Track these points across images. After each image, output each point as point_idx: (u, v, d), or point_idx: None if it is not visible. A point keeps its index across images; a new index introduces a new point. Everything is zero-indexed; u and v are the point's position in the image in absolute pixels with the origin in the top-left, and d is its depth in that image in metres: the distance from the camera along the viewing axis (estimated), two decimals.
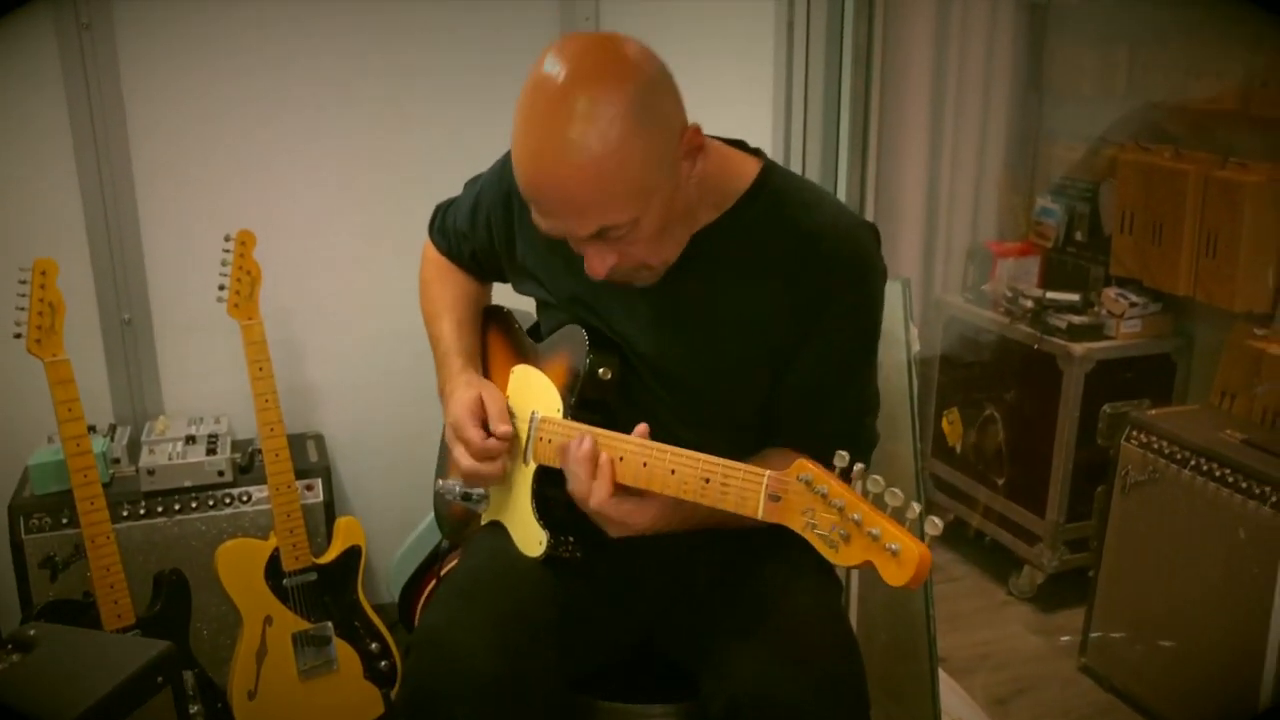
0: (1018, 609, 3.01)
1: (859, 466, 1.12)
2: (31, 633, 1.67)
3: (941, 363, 3.29)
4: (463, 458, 1.49)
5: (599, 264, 1.32)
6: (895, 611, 2.25)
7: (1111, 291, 2.89)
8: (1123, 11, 2.90)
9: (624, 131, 1.22)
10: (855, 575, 2.08)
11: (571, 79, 1.23)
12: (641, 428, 1.32)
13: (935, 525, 1.06)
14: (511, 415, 1.54)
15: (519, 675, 1.36)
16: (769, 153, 1.54)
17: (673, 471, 1.26)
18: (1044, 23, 3.17)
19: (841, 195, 1.76)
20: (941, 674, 2.64)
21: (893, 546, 1.04)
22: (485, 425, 1.51)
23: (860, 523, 1.08)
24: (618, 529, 1.34)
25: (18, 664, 1.61)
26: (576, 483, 1.34)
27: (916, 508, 1.06)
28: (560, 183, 1.24)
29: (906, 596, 2.22)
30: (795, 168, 1.82)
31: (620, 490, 1.33)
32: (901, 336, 1.85)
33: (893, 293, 1.83)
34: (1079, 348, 2.81)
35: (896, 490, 1.08)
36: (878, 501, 1.09)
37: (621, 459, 1.32)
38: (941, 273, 3.29)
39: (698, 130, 1.32)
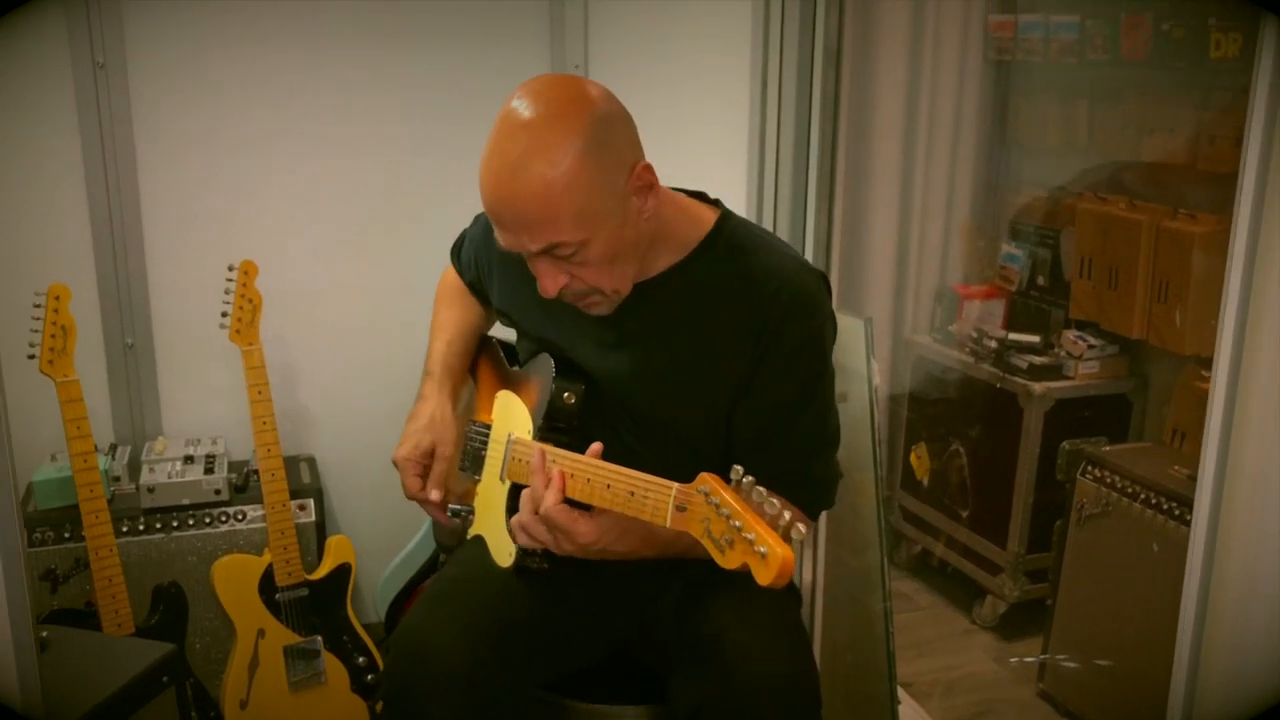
0: (981, 637, 3.12)
1: (748, 479, 1.23)
2: (44, 634, 1.77)
3: (910, 400, 3.43)
4: (406, 487, 1.66)
5: (550, 282, 1.45)
6: (858, 636, 2.36)
7: (1071, 334, 3.03)
8: (1082, 71, 3.06)
9: (574, 158, 1.36)
10: (819, 599, 2.19)
11: (533, 110, 1.38)
12: (595, 446, 1.44)
13: (799, 531, 1.18)
14: (487, 438, 1.67)
15: (488, 673, 1.47)
16: (743, 195, 1.67)
17: (608, 486, 1.39)
18: (1008, 79, 3.34)
19: (809, 238, 1.90)
20: (905, 697, 2.76)
21: (761, 550, 1.17)
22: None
23: (740, 529, 1.20)
24: (567, 540, 1.44)
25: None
26: (530, 491, 1.46)
27: (789, 515, 1.18)
28: (513, 199, 1.38)
29: (869, 623, 2.34)
30: (766, 211, 1.96)
31: (569, 504, 1.44)
32: (864, 371, 1.98)
33: (855, 330, 1.96)
34: (1039, 387, 2.94)
35: (774, 500, 1.20)
36: (760, 510, 1.21)
37: (572, 475, 1.44)
38: (911, 313, 3.43)
39: (648, 168, 1.45)
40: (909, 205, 3.35)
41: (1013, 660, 2.93)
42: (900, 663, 2.94)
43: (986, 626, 3.14)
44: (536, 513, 1.45)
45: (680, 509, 1.29)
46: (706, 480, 1.27)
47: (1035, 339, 3.09)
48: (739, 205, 1.74)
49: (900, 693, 2.72)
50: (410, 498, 1.67)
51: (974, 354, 3.16)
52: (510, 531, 1.57)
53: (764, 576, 1.17)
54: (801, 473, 1.55)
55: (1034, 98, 3.28)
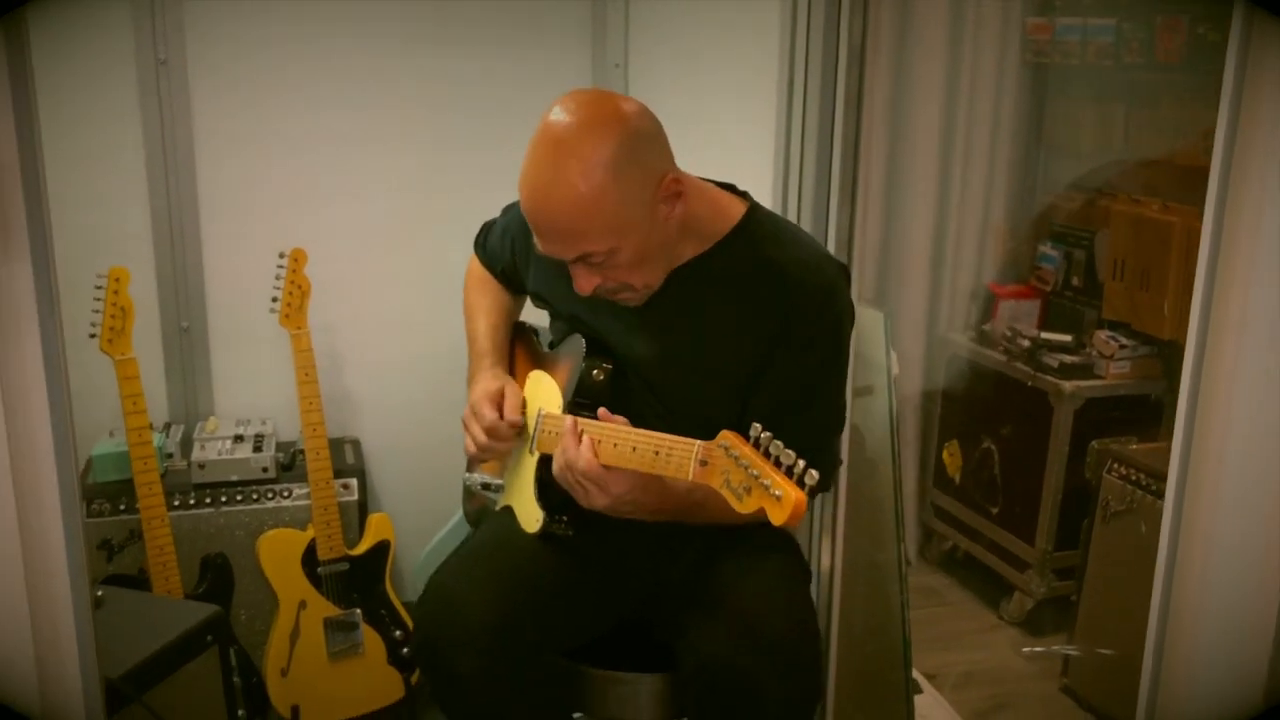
0: (1007, 632, 3.16)
1: (766, 435, 1.33)
2: (99, 593, 1.88)
3: (943, 398, 3.47)
4: (476, 435, 1.70)
5: (584, 283, 1.55)
6: (879, 626, 2.41)
7: (1103, 334, 3.06)
8: (1118, 74, 3.09)
9: (604, 175, 1.45)
10: (838, 586, 2.24)
11: (569, 126, 1.47)
12: (619, 419, 1.53)
13: (812, 476, 1.28)
14: (524, 412, 1.75)
15: (511, 629, 1.56)
16: (769, 190, 1.74)
17: (634, 448, 1.48)
18: (1045, 81, 3.37)
19: (831, 234, 1.96)
20: (927, 687, 2.81)
21: (776, 493, 1.28)
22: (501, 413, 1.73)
23: (758, 477, 1.30)
24: (600, 495, 1.53)
25: None
26: (565, 455, 1.54)
27: (802, 464, 1.28)
28: (550, 213, 1.48)
29: (890, 613, 2.39)
30: (791, 206, 2.02)
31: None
32: (883, 362, 2.04)
33: (875, 322, 2.02)
34: (1069, 385, 2.98)
35: (790, 452, 1.30)
36: (776, 461, 1.31)
37: (600, 441, 1.53)
38: (946, 312, 3.47)
39: (676, 179, 1.53)
40: (945, 205, 3.39)
41: (1024, 650, 2.96)
42: (926, 655, 3.00)
43: (1014, 622, 3.17)
44: (569, 471, 1.53)
45: (702, 463, 1.39)
46: (727, 436, 1.37)
47: (1067, 338, 3.13)
48: (764, 200, 1.81)
49: (922, 682, 2.78)
50: (488, 432, 1.70)
51: (1007, 353, 3.20)
52: (537, 500, 1.65)
53: (779, 517, 1.27)
54: (810, 454, 1.61)
55: (1070, 100, 3.31)
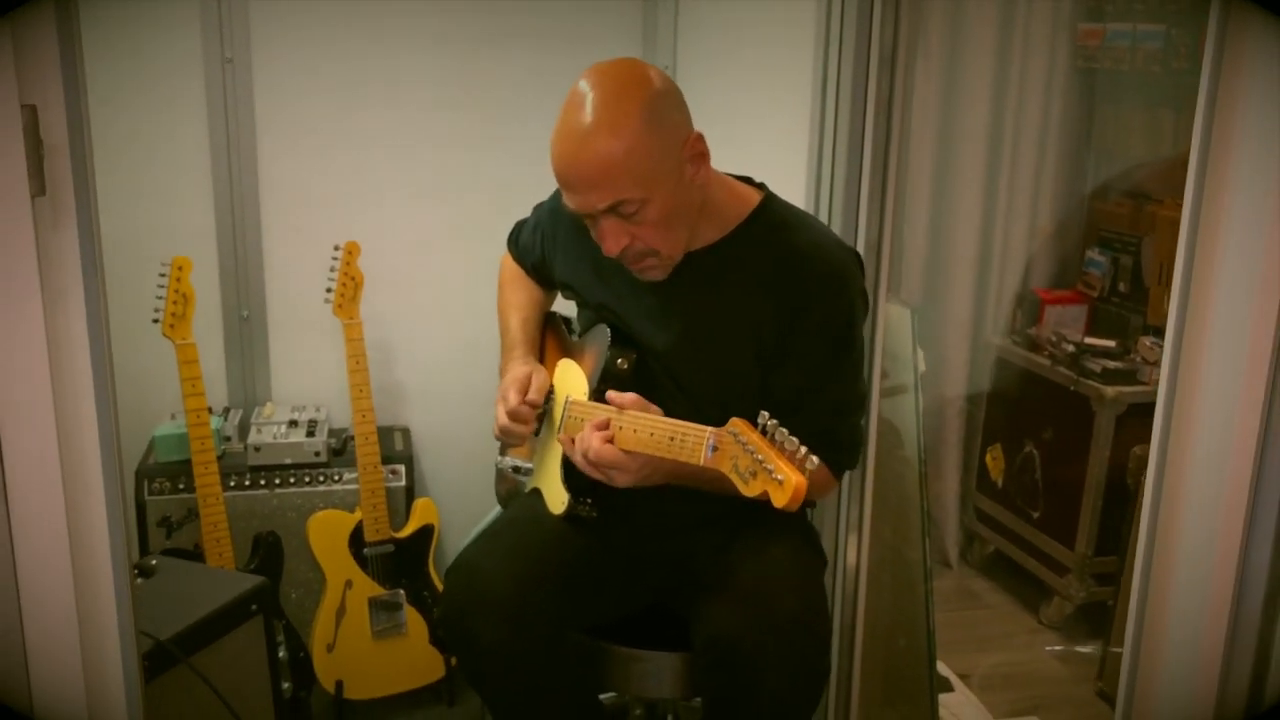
0: (1046, 636, 3.16)
1: (772, 422, 1.38)
2: (153, 562, 2.00)
3: (987, 401, 3.48)
4: (499, 416, 1.77)
5: (613, 242, 1.60)
6: (905, 623, 2.44)
7: (1147, 340, 3.05)
8: (1168, 79, 3.08)
9: (635, 125, 1.53)
10: (863, 580, 2.28)
11: (599, 86, 1.56)
12: (628, 396, 1.59)
13: (812, 461, 1.34)
14: (551, 398, 1.82)
15: (533, 603, 1.63)
16: (801, 191, 1.79)
17: (651, 434, 1.54)
18: (1093, 86, 3.37)
19: (860, 236, 2.01)
20: (960, 686, 2.83)
21: (779, 477, 1.33)
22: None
23: (762, 462, 1.36)
24: (622, 474, 1.59)
25: (140, 585, 1.94)
26: (581, 442, 1.60)
27: (804, 450, 1.34)
28: (583, 162, 1.55)
29: (916, 610, 2.42)
30: (822, 208, 2.07)
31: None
32: (911, 358, 2.08)
33: (902, 318, 2.06)
34: (1111, 391, 2.98)
35: (794, 438, 1.36)
36: (781, 447, 1.36)
37: (620, 428, 1.59)
38: (992, 316, 3.48)
39: (700, 139, 1.61)
40: (993, 209, 3.41)
41: (1047, 649, 2.97)
42: (962, 655, 3.02)
43: (1052, 626, 3.18)
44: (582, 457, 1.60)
45: (714, 449, 1.46)
46: (736, 423, 1.44)
47: (1111, 344, 3.13)
48: (797, 200, 1.87)
49: (954, 680, 2.81)
50: (510, 415, 1.77)
51: (1051, 357, 3.20)
52: (563, 482, 1.72)
53: (780, 499, 1.33)
54: (830, 434, 1.66)
55: (1119, 105, 3.31)
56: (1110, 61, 3.25)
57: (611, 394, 1.62)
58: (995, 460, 3.44)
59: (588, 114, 1.54)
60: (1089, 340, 3.16)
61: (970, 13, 3.27)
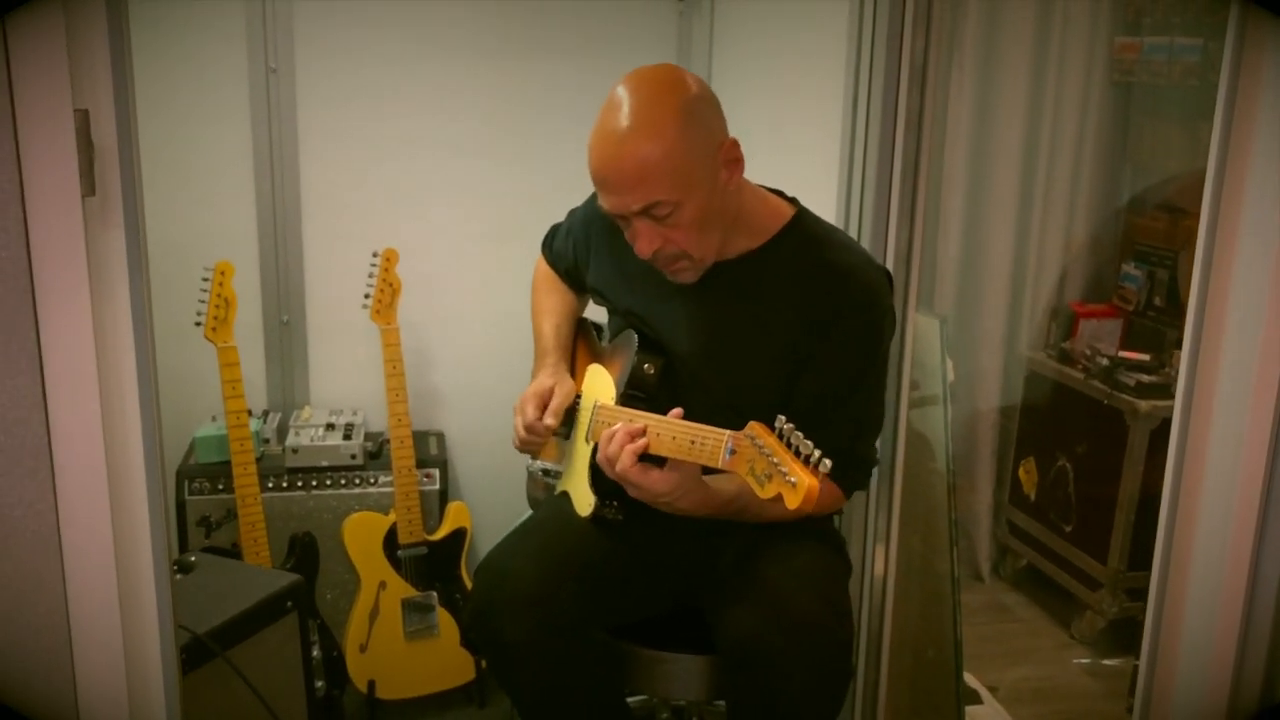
0: (1077, 651, 3.15)
1: (788, 426, 1.40)
2: (192, 559, 2.05)
3: (1021, 414, 3.48)
4: (518, 428, 1.82)
5: (646, 243, 1.62)
6: (934, 634, 2.45)
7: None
8: (1205, 93, 3.07)
9: (673, 128, 1.55)
10: (890, 595, 2.28)
11: (638, 89, 1.59)
12: (676, 411, 1.59)
13: (826, 465, 1.36)
14: (579, 403, 1.85)
15: (559, 602, 1.66)
16: (832, 205, 1.82)
17: (673, 438, 1.56)
18: (1130, 100, 3.36)
19: (890, 250, 2.02)
20: (989, 699, 2.83)
21: (792, 479, 1.36)
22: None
23: (778, 465, 1.38)
24: (638, 493, 1.59)
25: (179, 581, 1.98)
26: (607, 451, 1.60)
27: (818, 453, 1.36)
28: (620, 163, 1.57)
29: (939, 621, 2.42)
30: (852, 222, 2.09)
31: (645, 461, 1.60)
32: (939, 368, 2.09)
33: (930, 329, 2.07)
34: (1145, 405, 2.96)
35: (808, 442, 1.38)
36: (796, 451, 1.39)
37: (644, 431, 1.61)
38: (1026, 329, 3.48)
39: (735, 144, 1.63)
40: (1027, 222, 3.41)
41: (1078, 662, 2.96)
42: (992, 669, 3.02)
43: (1084, 641, 3.16)
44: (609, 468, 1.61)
45: (732, 452, 1.48)
46: (754, 427, 1.46)
47: (1146, 357, 3.11)
48: (827, 213, 1.89)
49: (983, 693, 2.80)
50: (525, 428, 1.81)
51: (1085, 371, 3.19)
52: (590, 485, 1.75)
53: (793, 500, 1.35)
54: (845, 452, 1.67)
55: (1156, 119, 3.30)
56: (1147, 75, 3.25)
57: (676, 412, 1.60)
58: (1028, 474, 3.43)
59: (627, 116, 1.57)
60: (1123, 354, 3.15)
61: (1005, 26, 3.28)
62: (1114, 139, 3.38)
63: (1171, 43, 3.13)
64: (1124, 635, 3.07)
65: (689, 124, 1.57)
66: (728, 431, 1.49)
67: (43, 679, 1.09)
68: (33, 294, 1.00)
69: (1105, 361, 3.13)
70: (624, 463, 1.57)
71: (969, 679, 2.86)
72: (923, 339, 2.07)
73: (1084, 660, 3.06)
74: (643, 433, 1.59)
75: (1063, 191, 3.39)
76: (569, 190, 2.05)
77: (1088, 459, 3.19)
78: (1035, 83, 3.31)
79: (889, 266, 1.99)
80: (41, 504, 1.03)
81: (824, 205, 1.95)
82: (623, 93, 1.59)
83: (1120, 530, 3.04)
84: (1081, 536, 3.19)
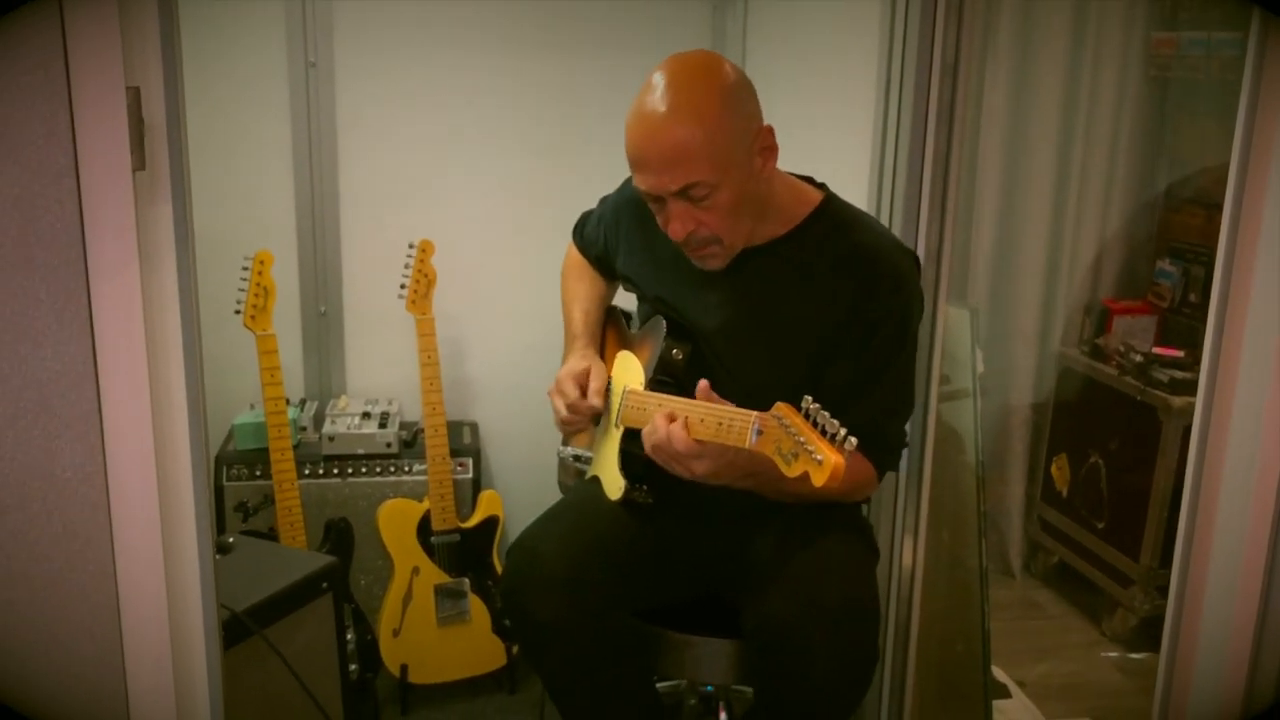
0: (1108, 648, 3.14)
1: (814, 406, 1.42)
2: (230, 540, 2.09)
3: (1054, 411, 3.47)
4: (559, 408, 1.84)
5: (679, 225, 1.64)
6: (963, 629, 2.45)
7: None
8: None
9: (714, 110, 1.57)
10: (918, 588, 2.29)
11: (677, 73, 1.61)
12: (703, 384, 1.60)
13: (851, 442, 1.38)
14: (609, 390, 1.88)
15: (587, 583, 1.69)
16: (864, 198, 1.83)
17: (702, 420, 1.57)
18: (1166, 95, 3.35)
19: (920, 244, 2.03)
20: (1018, 693, 2.83)
21: (818, 457, 1.37)
22: (584, 391, 1.86)
23: (803, 443, 1.40)
24: (683, 467, 1.60)
25: (218, 562, 2.02)
26: (655, 435, 1.60)
27: (843, 431, 1.38)
28: (661, 142, 1.59)
29: (967, 614, 2.43)
30: (884, 214, 2.10)
31: None
32: (969, 360, 2.10)
33: (961, 320, 2.08)
34: (1179, 401, 2.95)
35: (834, 421, 1.40)
36: (822, 429, 1.41)
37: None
38: (1060, 325, 3.47)
39: (771, 131, 1.65)
40: (1061, 217, 3.40)
41: (1103, 654, 2.95)
42: (1022, 664, 3.01)
43: (1115, 639, 3.15)
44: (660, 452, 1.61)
45: (759, 433, 1.49)
46: (780, 408, 1.48)
47: (1181, 354, 3.10)
48: (859, 203, 1.91)
49: (1012, 687, 2.80)
50: (567, 409, 1.84)
51: (1119, 368, 3.18)
52: (620, 469, 1.77)
53: (819, 477, 1.37)
54: (876, 433, 1.69)
55: (1193, 114, 3.28)
56: (1184, 70, 3.23)
57: (703, 384, 1.61)
58: (1060, 470, 3.42)
59: (668, 97, 1.58)
60: (1157, 350, 3.13)
61: (1041, 21, 3.27)
62: (1150, 134, 3.37)
63: (1209, 37, 3.11)
64: (1155, 633, 3.01)
65: (728, 107, 1.59)
66: (754, 412, 1.51)
67: (89, 634, 1.13)
68: (85, 263, 1.04)
69: (1139, 358, 3.12)
70: (678, 437, 1.57)
71: (998, 673, 2.86)
72: (953, 330, 2.08)
73: (1112, 654, 3.05)
74: (674, 416, 1.60)
75: (1098, 187, 3.38)
76: (603, 185, 2.08)
77: (1120, 455, 3.18)
78: (1071, 77, 3.30)
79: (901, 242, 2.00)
80: (90, 466, 1.07)
81: (855, 196, 1.96)
82: (663, 75, 1.61)
83: (1152, 527, 3.03)
84: (1114, 533, 3.18)
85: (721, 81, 1.60)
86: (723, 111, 1.58)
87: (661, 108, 1.58)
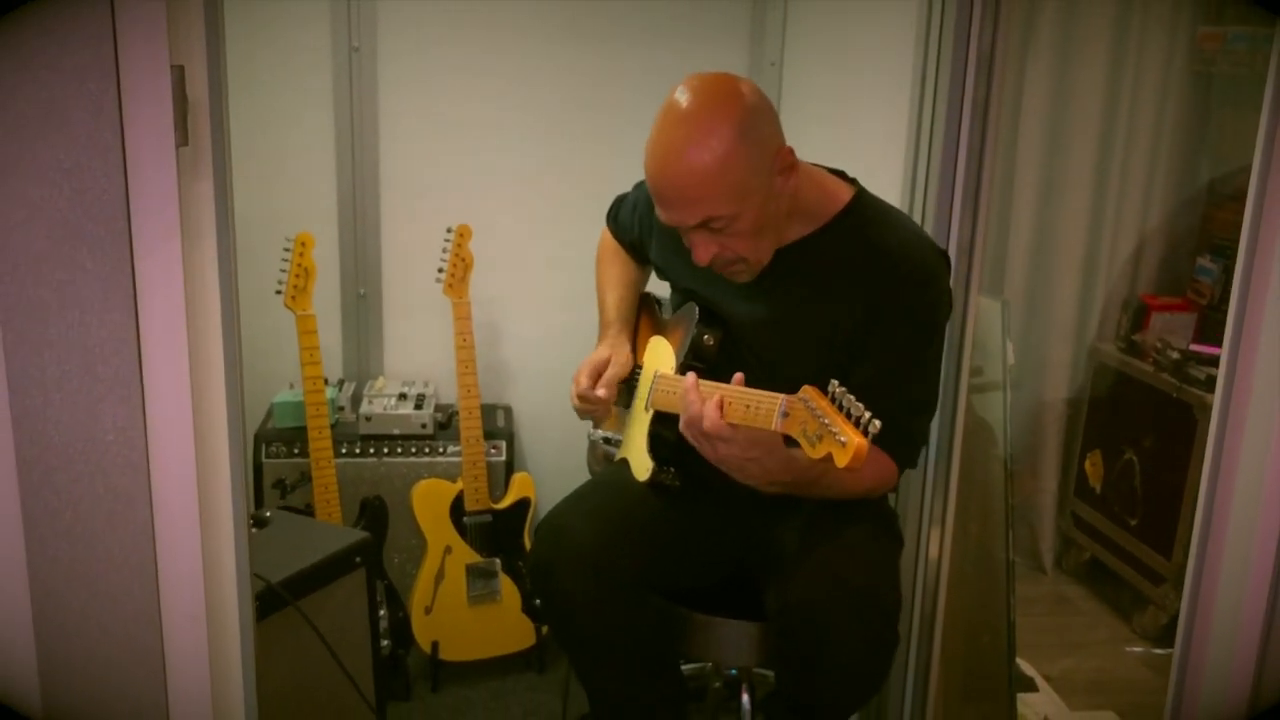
0: (1138, 645, 3.13)
1: (840, 389, 1.43)
2: (267, 514, 2.14)
3: (1089, 406, 3.45)
4: (571, 396, 1.90)
5: (703, 252, 1.66)
6: (990, 622, 2.45)
7: None
8: None
9: (728, 144, 1.56)
10: (944, 580, 2.29)
11: (694, 101, 1.60)
12: (738, 377, 1.61)
13: (875, 425, 1.38)
14: (639, 373, 1.91)
15: (613, 557, 1.72)
16: (897, 192, 1.84)
17: (729, 403, 1.59)
18: (1210, 90, 3.32)
19: (953, 238, 2.03)
20: (1045, 688, 2.83)
21: (842, 439, 1.39)
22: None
23: (828, 425, 1.41)
24: (711, 452, 1.60)
25: (255, 535, 2.07)
26: (684, 407, 1.62)
27: (868, 414, 1.39)
28: (679, 179, 1.60)
29: (994, 607, 2.43)
30: (916, 208, 2.11)
31: None
32: (999, 351, 2.10)
33: (992, 311, 2.08)
34: (1214, 398, 2.93)
35: (859, 404, 1.41)
36: (847, 412, 1.42)
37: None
38: (1096, 320, 3.46)
39: (789, 151, 1.65)
40: (1101, 212, 3.38)
41: (1129, 650, 2.94)
42: (1050, 659, 3.01)
43: (1146, 636, 3.14)
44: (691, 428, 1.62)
45: (785, 415, 1.51)
46: (807, 390, 1.49)
47: (1218, 351, 3.07)
48: (892, 200, 1.91)
49: (1039, 681, 2.80)
50: (579, 395, 1.89)
51: (1155, 364, 3.17)
52: (649, 452, 1.80)
53: (842, 459, 1.38)
54: (899, 429, 1.70)
55: (1239, 110, 3.25)
56: (1229, 65, 3.20)
57: (738, 377, 1.61)
58: (1094, 466, 3.41)
59: (683, 133, 1.58)
60: (1194, 348, 3.11)
61: (1084, 17, 3.26)
62: (1194, 129, 3.34)
63: (1255, 32, 3.08)
64: None
65: (744, 139, 1.58)
66: (781, 395, 1.52)
67: (128, 592, 1.17)
68: (129, 235, 1.08)
69: (1176, 355, 3.10)
70: (710, 416, 1.57)
71: (1025, 667, 2.86)
72: (984, 321, 2.09)
73: (1138, 649, 3.04)
74: (696, 387, 1.61)
75: (1139, 182, 3.36)
76: (638, 171, 2.08)
77: (1155, 452, 3.16)
78: (1115, 72, 3.28)
79: (951, 253, 2.01)
80: (132, 429, 1.11)
81: (889, 190, 1.97)
82: (677, 108, 1.60)
83: (1185, 525, 3.01)
84: (1146, 530, 3.17)
85: (737, 110, 1.58)
86: (738, 143, 1.57)
87: (676, 144, 1.58)
